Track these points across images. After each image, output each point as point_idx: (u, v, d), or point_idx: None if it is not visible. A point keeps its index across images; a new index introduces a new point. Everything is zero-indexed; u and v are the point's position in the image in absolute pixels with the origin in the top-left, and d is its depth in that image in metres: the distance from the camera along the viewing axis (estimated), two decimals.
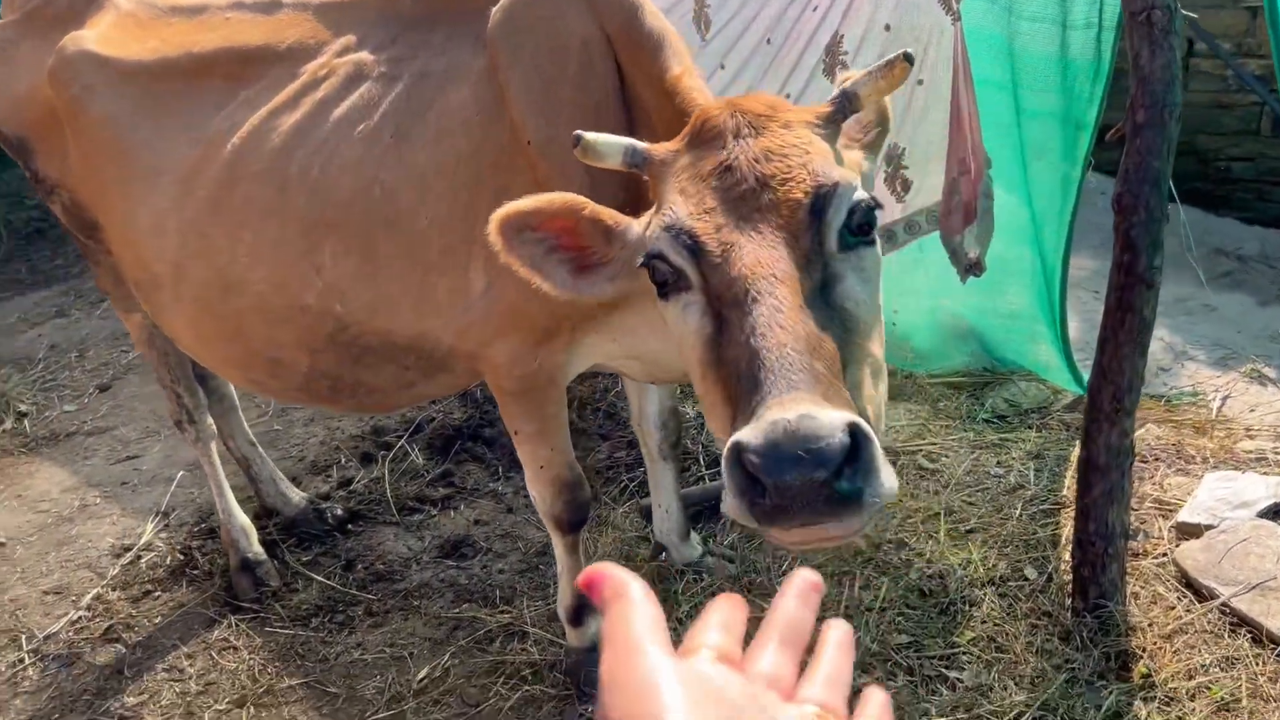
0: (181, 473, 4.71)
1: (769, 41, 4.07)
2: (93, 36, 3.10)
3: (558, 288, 2.02)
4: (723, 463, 1.50)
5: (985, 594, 3.30)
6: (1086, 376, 4.17)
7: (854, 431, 1.44)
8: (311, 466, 4.63)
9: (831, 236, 1.75)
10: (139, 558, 4.19)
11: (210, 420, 3.87)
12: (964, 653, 3.09)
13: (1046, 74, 3.59)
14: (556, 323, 2.69)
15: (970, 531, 3.60)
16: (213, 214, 2.86)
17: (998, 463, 3.94)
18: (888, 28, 3.81)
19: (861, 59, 3.88)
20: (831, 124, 1.94)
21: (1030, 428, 4.14)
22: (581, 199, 1.99)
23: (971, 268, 3.80)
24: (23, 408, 5.52)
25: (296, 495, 4.18)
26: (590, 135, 1.97)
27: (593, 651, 3.22)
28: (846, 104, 1.95)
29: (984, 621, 3.19)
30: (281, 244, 2.79)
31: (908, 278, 4.32)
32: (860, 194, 1.79)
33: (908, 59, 1.91)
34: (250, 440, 4.13)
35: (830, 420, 1.43)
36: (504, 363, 2.76)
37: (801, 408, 1.46)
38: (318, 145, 2.78)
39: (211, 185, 2.87)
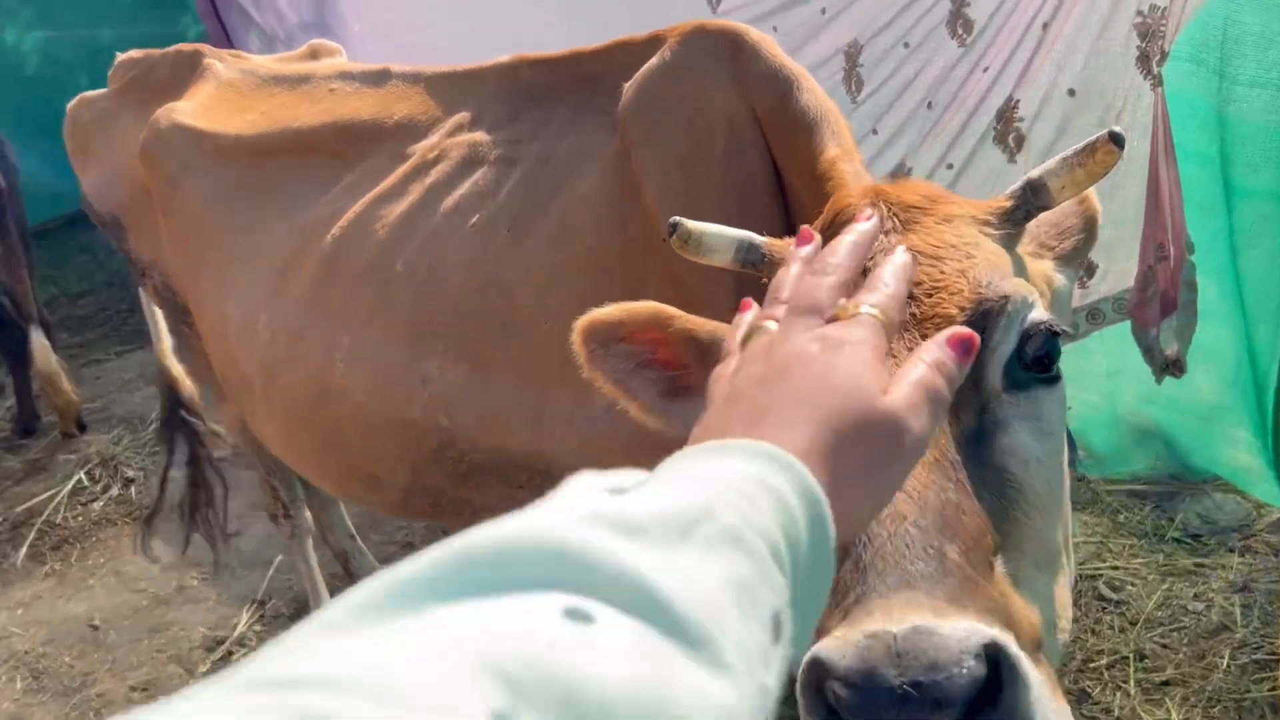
0: (280, 557, 4.44)
1: (930, 105, 3.64)
2: (188, 109, 2.84)
3: (646, 411, 1.59)
4: (797, 685, 1.02)
5: None
6: None
7: (993, 656, 0.97)
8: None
9: (995, 369, 1.31)
10: (230, 654, 3.92)
11: (308, 514, 3.58)
12: None
13: (1266, 148, 3.07)
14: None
15: (1166, 684, 3.06)
16: (308, 314, 2.55)
17: (1195, 595, 3.38)
18: (1072, 92, 3.33)
19: (1040, 128, 3.42)
20: (1011, 223, 1.48)
21: (1231, 550, 3.57)
22: (669, 310, 1.57)
23: (1169, 366, 3.28)
24: (130, 473, 5.36)
25: None
26: (691, 224, 1.55)
27: None
28: (1031, 198, 1.47)
29: None
30: (383, 351, 2.46)
31: (1085, 365, 3.80)
32: (1039, 314, 1.35)
33: (1115, 140, 1.43)
34: (350, 533, 3.83)
35: (956, 638, 0.97)
36: None
37: (916, 616, 1.00)
38: (426, 240, 2.45)
39: (307, 281, 2.56)
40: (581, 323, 1.58)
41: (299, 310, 2.56)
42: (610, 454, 2.35)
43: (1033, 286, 1.45)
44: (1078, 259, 1.68)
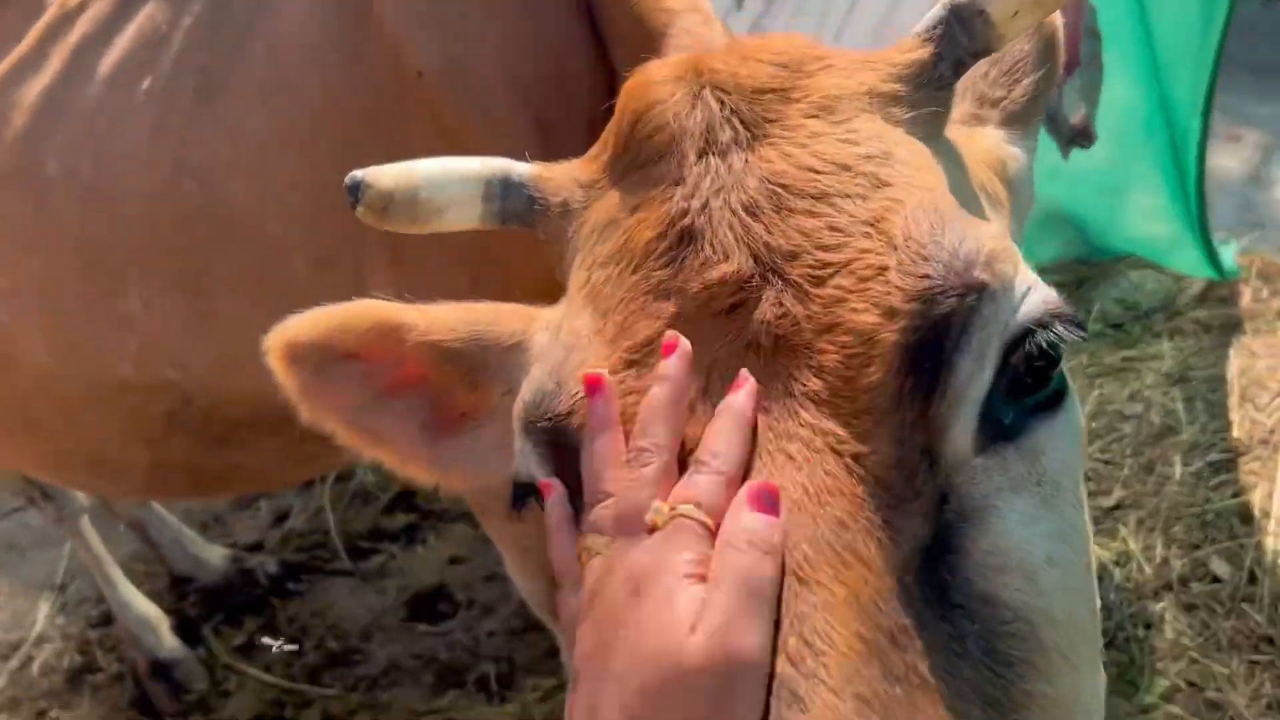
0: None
1: None
2: None
3: (407, 459, 1.00)
4: None
5: (1164, 608, 2.37)
6: (1224, 253, 3.20)
7: None
8: (234, 500, 3.64)
9: (964, 426, 0.72)
10: (30, 659, 3.23)
11: (74, 491, 2.86)
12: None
13: None
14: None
15: (1116, 509, 2.65)
16: None
17: (1129, 395, 2.95)
18: None
19: None
20: (932, 86, 0.86)
21: (1158, 336, 3.14)
22: (397, 316, 0.96)
23: (1076, 137, 2.76)
24: None
25: (215, 555, 3.20)
26: (384, 176, 0.93)
27: None
28: (963, 37, 0.84)
29: (1176, 658, 2.26)
30: (56, 290, 1.75)
31: None
32: (1036, 301, 0.75)
33: None
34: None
35: None
36: None
37: None
38: (83, 124, 1.71)
39: None
40: (274, 343, 0.95)
41: None
42: None
43: (1000, 227, 0.84)
44: (1037, 110, 1.01)
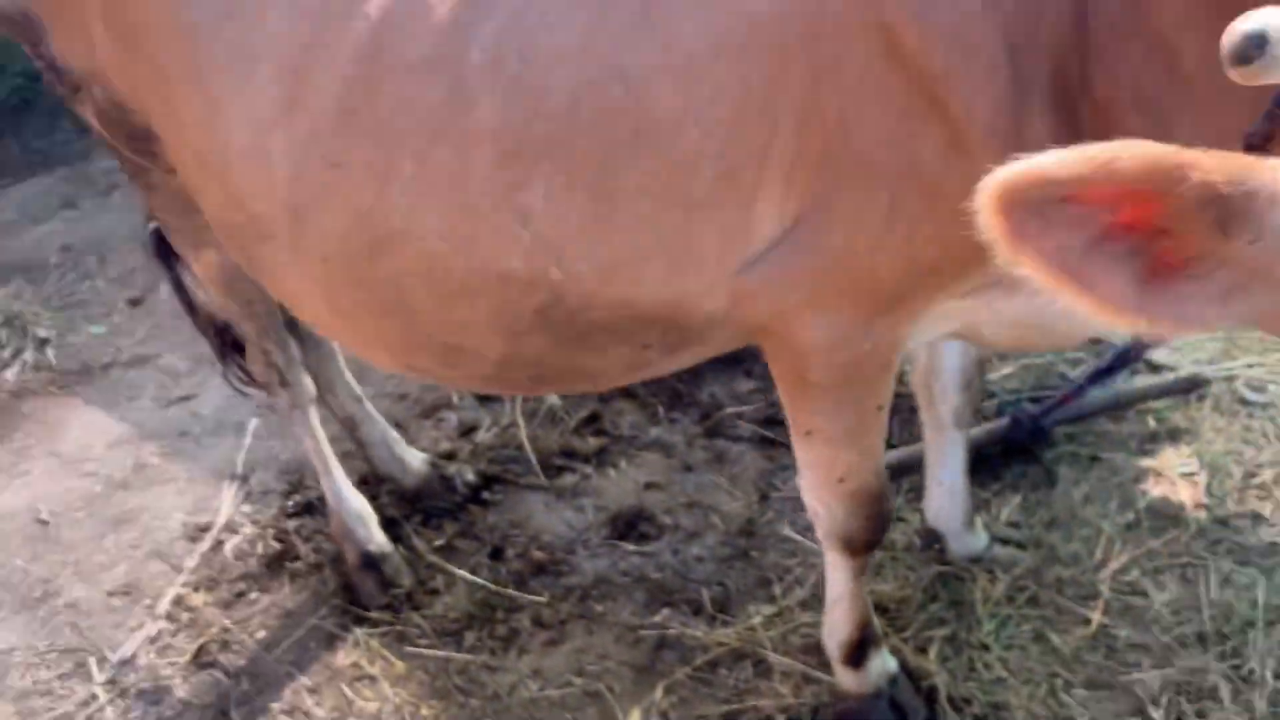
0: (255, 421, 3.77)
1: None
2: None
3: (1114, 307, 0.99)
4: None
5: None
6: None
7: None
8: (417, 407, 3.70)
9: None
10: (220, 543, 3.32)
11: (307, 380, 2.93)
12: None
13: None
14: (913, 283, 1.74)
15: None
16: (345, 131, 1.85)
17: None
18: None
19: None
20: None
21: None
22: (1178, 156, 0.95)
23: None
24: (42, 333, 4.54)
25: (417, 460, 3.27)
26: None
27: (877, 699, 2.39)
28: None
29: None
30: (463, 178, 1.80)
31: None
32: None
33: None
34: (355, 395, 3.19)
35: None
36: (819, 343, 1.82)
37: None
38: (512, 14, 1.75)
39: (338, 84, 1.85)
40: (1002, 178, 0.94)
41: (331, 126, 1.86)
42: (786, 304, 1.78)
43: None
44: None
